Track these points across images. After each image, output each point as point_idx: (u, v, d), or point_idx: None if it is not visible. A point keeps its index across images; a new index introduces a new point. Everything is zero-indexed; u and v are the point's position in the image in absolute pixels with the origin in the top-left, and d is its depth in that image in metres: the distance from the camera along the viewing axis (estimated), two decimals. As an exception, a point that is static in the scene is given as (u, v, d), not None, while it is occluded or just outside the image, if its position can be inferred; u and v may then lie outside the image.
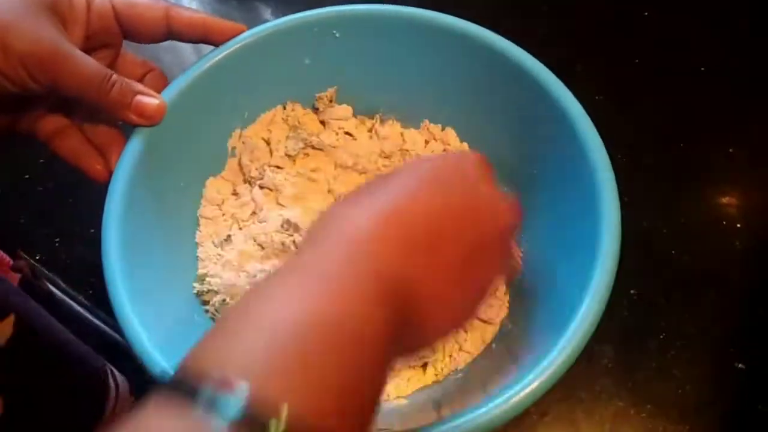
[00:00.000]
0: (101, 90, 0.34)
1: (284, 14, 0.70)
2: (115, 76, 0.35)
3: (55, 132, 0.39)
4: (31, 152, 0.60)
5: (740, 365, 0.45)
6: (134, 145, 0.38)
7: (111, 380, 0.36)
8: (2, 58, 0.30)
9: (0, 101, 0.34)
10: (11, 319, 0.29)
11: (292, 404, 0.17)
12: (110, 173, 0.37)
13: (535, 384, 0.29)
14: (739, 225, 0.52)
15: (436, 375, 0.40)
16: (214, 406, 0.17)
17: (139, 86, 0.37)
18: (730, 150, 0.56)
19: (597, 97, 0.58)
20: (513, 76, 0.41)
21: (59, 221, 0.55)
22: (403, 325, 0.23)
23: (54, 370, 0.32)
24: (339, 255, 0.22)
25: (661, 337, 0.47)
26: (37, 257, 0.53)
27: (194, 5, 0.72)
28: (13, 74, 0.31)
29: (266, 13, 0.71)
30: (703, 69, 0.60)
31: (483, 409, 0.28)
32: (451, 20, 0.43)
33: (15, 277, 0.39)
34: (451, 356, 0.41)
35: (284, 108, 0.48)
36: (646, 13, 0.65)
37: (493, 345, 0.41)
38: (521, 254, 0.34)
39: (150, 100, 0.36)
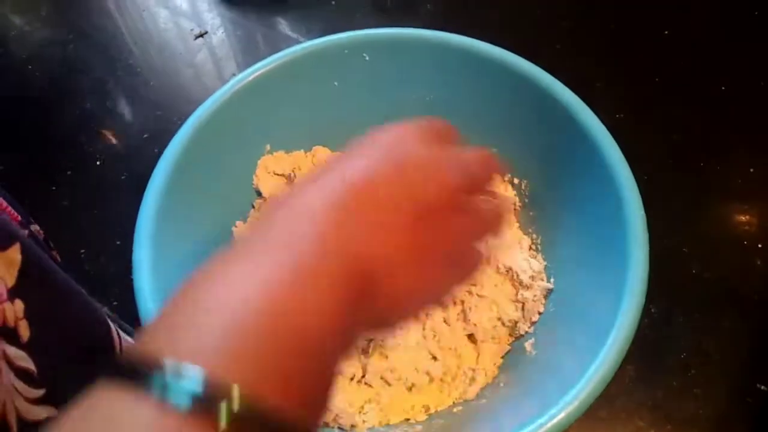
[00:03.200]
0: None
1: (302, 28, 0.71)
2: None
3: None
4: (58, 163, 0.61)
5: (762, 386, 0.45)
6: (164, 164, 0.39)
7: (112, 325, 0.37)
8: None
9: None
10: (17, 246, 0.29)
11: (245, 387, 0.17)
12: None
13: (562, 415, 0.30)
14: (760, 245, 0.51)
15: (433, 406, 0.40)
16: (168, 391, 0.17)
17: None
18: (751, 170, 0.55)
19: (617, 115, 0.58)
20: (548, 108, 0.41)
21: (84, 232, 0.56)
22: (361, 302, 0.22)
23: (65, 303, 0.33)
24: (290, 239, 0.22)
25: (682, 356, 0.47)
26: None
27: (217, 21, 0.73)
28: None
29: (283, 25, 0.72)
30: (723, 88, 0.60)
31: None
32: (484, 47, 0.43)
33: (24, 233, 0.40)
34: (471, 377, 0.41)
35: (306, 152, 0.48)
36: (666, 32, 0.65)
37: (508, 372, 0.41)
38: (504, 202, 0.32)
39: None
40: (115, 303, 0.51)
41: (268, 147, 0.47)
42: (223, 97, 0.42)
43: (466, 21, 0.70)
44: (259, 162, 0.47)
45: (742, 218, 0.53)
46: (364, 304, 0.22)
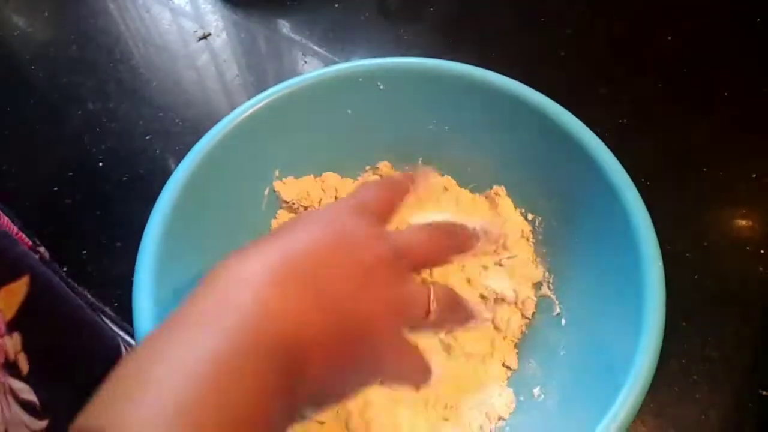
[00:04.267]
0: None
1: (305, 30, 0.71)
2: None
3: None
4: (60, 165, 0.61)
5: (764, 392, 0.45)
6: (172, 185, 0.39)
7: (124, 350, 0.37)
8: None
9: None
10: (26, 279, 0.29)
11: None
12: None
13: None
14: (762, 251, 0.51)
15: None
16: None
17: None
18: (754, 175, 0.55)
19: (620, 121, 0.58)
20: (565, 146, 0.41)
21: (86, 233, 0.56)
22: (295, 375, 0.23)
23: (72, 333, 0.33)
24: (224, 310, 0.23)
25: (683, 361, 0.47)
26: (64, 269, 0.53)
27: (220, 23, 0.73)
28: None
29: (287, 28, 0.72)
30: (726, 93, 0.60)
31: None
32: (502, 80, 0.43)
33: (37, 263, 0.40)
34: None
35: (316, 177, 0.48)
36: (669, 38, 0.65)
37: (517, 418, 0.40)
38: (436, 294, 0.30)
39: None
40: (116, 304, 0.51)
41: (277, 173, 0.47)
42: (234, 121, 0.42)
43: (469, 25, 0.70)
44: (270, 186, 0.47)
45: (745, 224, 0.53)
46: (293, 382, 0.23)
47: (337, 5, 0.73)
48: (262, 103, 0.43)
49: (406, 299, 0.28)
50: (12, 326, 0.29)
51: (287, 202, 0.47)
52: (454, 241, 0.31)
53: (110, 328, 0.36)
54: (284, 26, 0.72)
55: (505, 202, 0.46)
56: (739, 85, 0.61)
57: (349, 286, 0.26)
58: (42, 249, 0.41)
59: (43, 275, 0.30)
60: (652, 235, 0.35)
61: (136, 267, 0.36)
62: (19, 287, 0.29)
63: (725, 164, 0.56)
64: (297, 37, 0.71)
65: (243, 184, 0.45)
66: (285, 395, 0.22)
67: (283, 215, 0.48)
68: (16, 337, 0.29)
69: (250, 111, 0.43)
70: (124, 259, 0.54)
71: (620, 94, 0.61)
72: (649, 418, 0.45)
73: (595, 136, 0.39)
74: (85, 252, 0.55)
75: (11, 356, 0.28)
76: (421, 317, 0.29)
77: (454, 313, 0.31)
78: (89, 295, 0.50)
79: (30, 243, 0.40)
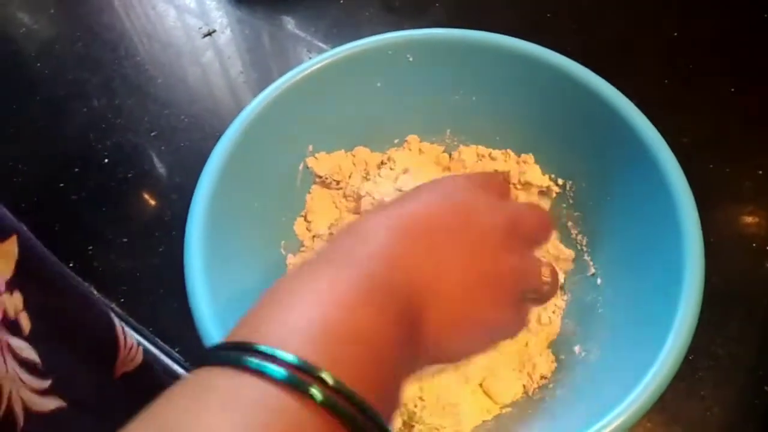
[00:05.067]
0: None
1: (310, 27, 0.71)
2: None
3: None
4: (66, 161, 0.61)
5: (770, 389, 0.45)
6: (214, 161, 0.40)
7: (115, 319, 0.37)
8: None
9: None
10: (14, 239, 0.29)
11: (334, 373, 0.19)
12: None
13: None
14: (768, 247, 0.51)
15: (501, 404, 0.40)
16: (264, 372, 0.19)
17: None
18: (759, 172, 0.55)
19: (625, 116, 0.58)
20: (588, 102, 0.41)
21: (92, 229, 0.56)
22: (414, 325, 0.24)
23: (65, 296, 0.33)
24: (353, 259, 0.25)
25: (690, 358, 0.46)
26: (70, 264, 0.54)
27: (224, 20, 0.73)
28: None
29: (291, 24, 0.72)
30: (733, 90, 0.60)
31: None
32: (530, 48, 0.43)
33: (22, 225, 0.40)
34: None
35: (347, 152, 0.49)
36: (675, 34, 0.65)
37: (557, 374, 0.40)
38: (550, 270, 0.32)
39: None
40: (122, 300, 0.51)
41: (311, 148, 0.47)
42: (268, 98, 0.43)
43: (474, 22, 0.69)
44: (304, 162, 0.47)
45: (751, 221, 0.53)
46: (413, 332, 0.24)
47: (341, 1, 0.73)
48: (295, 79, 0.43)
49: (524, 267, 0.29)
50: (12, 285, 0.29)
51: (320, 177, 0.47)
52: (550, 223, 0.32)
53: (98, 298, 0.36)
54: (289, 23, 0.72)
55: (533, 170, 0.46)
56: (745, 80, 0.61)
57: (467, 249, 0.27)
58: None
59: (30, 239, 0.30)
60: (687, 187, 0.35)
61: (186, 242, 0.37)
62: (10, 246, 0.29)
63: (731, 160, 0.56)
64: (302, 34, 0.71)
65: (279, 161, 0.45)
66: (406, 341, 0.24)
67: (316, 190, 0.48)
68: (17, 296, 0.29)
69: (282, 88, 0.43)
70: (130, 255, 0.54)
71: (626, 91, 0.60)
72: (654, 414, 0.44)
73: (620, 94, 0.40)
74: (91, 248, 0.55)
75: (11, 314, 0.28)
76: (534, 288, 0.30)
77: (554, 288, 0.32)
78: (95, 291, 0.51)
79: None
